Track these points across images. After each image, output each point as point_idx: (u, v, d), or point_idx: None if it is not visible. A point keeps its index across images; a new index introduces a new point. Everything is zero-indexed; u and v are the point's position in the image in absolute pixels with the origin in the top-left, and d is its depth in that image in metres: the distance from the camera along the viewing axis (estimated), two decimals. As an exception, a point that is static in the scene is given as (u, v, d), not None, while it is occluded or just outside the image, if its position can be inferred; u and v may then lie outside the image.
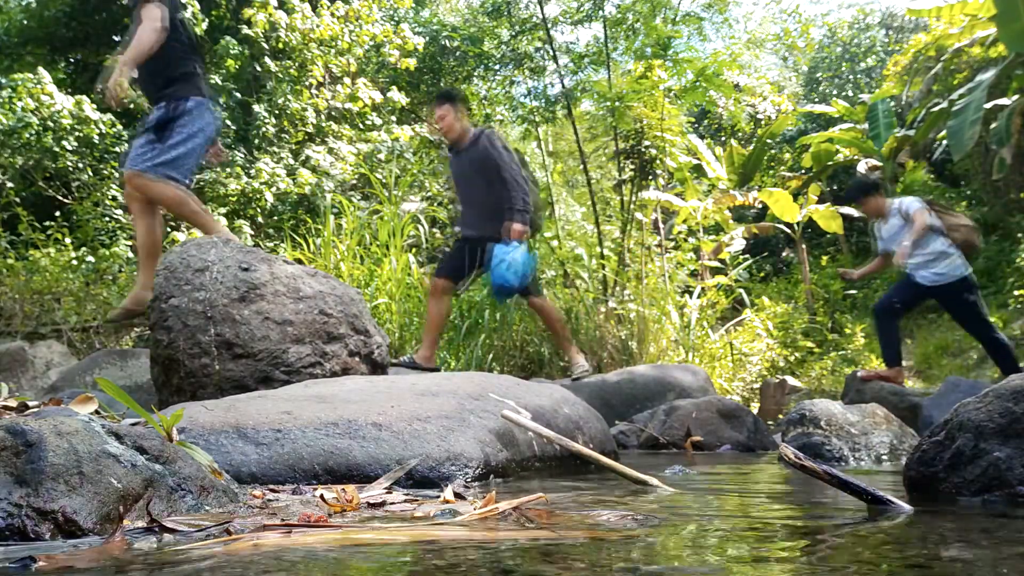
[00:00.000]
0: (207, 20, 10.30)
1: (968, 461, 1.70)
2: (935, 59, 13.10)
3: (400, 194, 8.06)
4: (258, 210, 9.79)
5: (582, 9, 9.84)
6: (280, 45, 10.25)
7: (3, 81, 9.47)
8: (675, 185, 10.68)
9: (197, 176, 10.04)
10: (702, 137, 16.07)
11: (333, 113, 10.67)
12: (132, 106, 9.39)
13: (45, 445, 1.23)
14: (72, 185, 9.18)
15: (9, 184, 8.85)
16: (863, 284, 12.79)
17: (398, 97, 10.63)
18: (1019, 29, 8.62)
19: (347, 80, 10.64)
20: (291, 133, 10.53)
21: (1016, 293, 10.28)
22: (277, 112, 10.46)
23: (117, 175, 9.35)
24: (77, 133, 9.03)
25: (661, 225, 9.35)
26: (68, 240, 8.28)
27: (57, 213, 8.84)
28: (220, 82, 10.13)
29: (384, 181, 7.65)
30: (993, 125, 10.53)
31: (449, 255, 4.86)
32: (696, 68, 8.62)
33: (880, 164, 13.78)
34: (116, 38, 11.67)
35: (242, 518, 1.37)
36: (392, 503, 1.59)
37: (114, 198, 9.27)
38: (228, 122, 10.28)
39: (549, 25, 9.92)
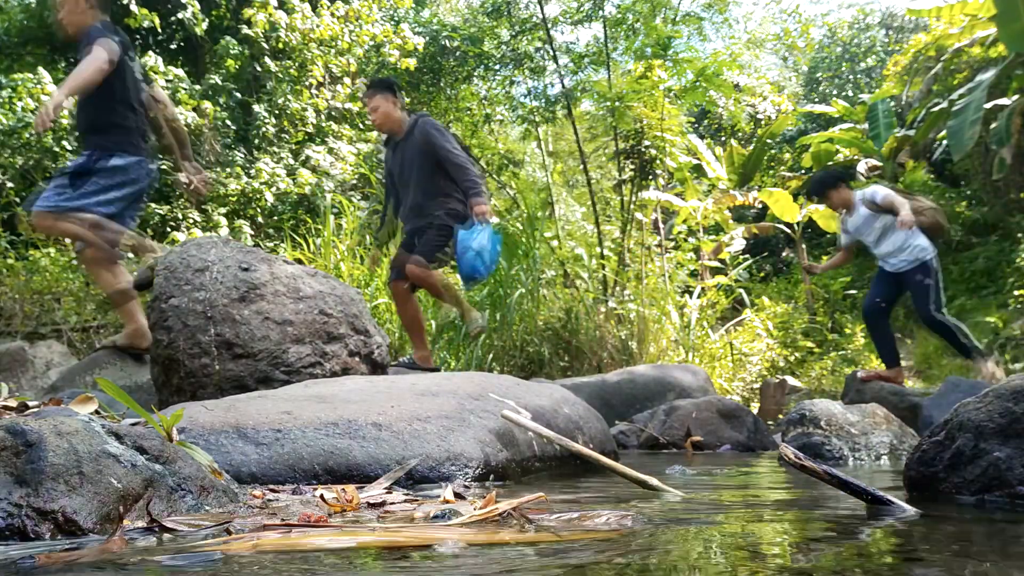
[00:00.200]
0: (207, 20, 10.30)
1: (968, 461, 1.70)
2: (935, 59, 13.09)
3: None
4: (258, 210, 9.79)
5: (582, 9, 9.85)
6: (280, 45, 10.25)
7: (3, 81, 9.47)
8: (675, 185, 10.69)
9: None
10: (702, 137, 16.06)
11: (333, 113, 10.67)
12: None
13: (45, 445, 1.23)
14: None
15: (9, 184, 8.85)
16: (863, 284, 12.79)
17: (398, 97, 10.62)
18: (1019, 29, 8.62)
19: (347, 80, 10.64)
20: (291, 133, 10.53)
21: (1016, 293, 10.27)
22: (277, 112, 10.46)
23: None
24: (77, 133, 9.03)
25: (661, 225, 9.36)
26: (68, 240, 8.28)
27: (57, 213, 8.82)
28: (220, 82, 10.13)
29: (384, 181, 7.64)
30: (993, 125, 10.52)
31: (399, 255, 4.62)
32: (696, 68, 8.63)
33: (880, 164, 13.78)
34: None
35: (242, 518, 1.37)
36: (392, 503, 1.59)
37: (114, 198, 9.25)
38: (228, 122, 10.28)
39: (549, 25, 9.92)
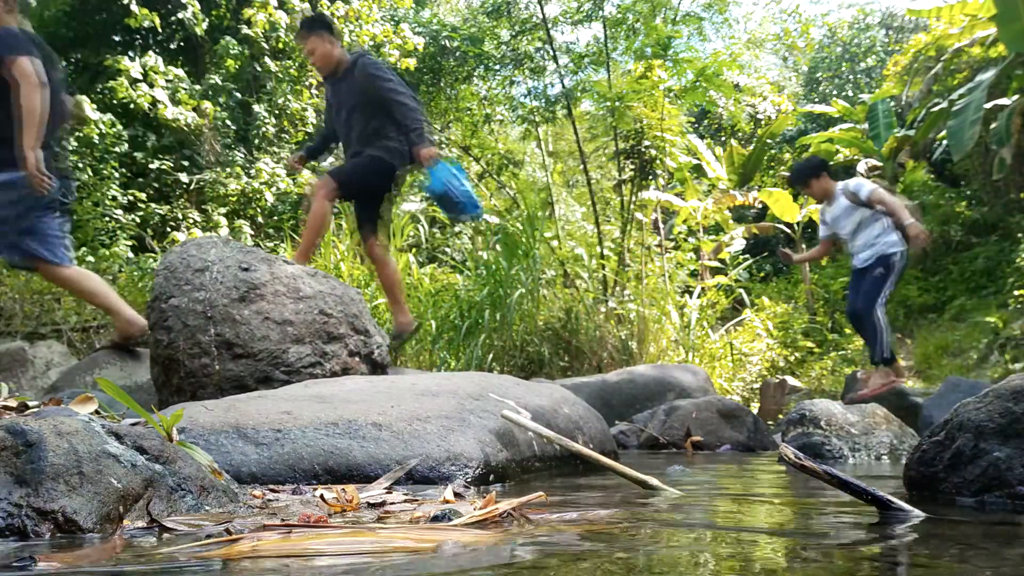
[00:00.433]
0: (207, 20, 10.30)
1: (968, 461, 1.70)
2: (935, 59, 13.09)
3: (400, 194, 8.06)
4: (258, 210, 9.80)
5: (582, 9, 9.85)
6: (280, 45, 10.25)
7: (3, 81, 9.46)
8: (675, 185, 10.68)
9: (197, 176, 10.07)
10: (702, 137, 16.06)
11: (333, 113, 10.66)
12: (132, 105, 9.42)
13: (45, 445, 1.23)
14: (72, 185, 9.16)
15: (9, 184, 8.84)
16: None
17: (398, 97, 10.62)
18: (1019, 29, 8.62)
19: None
20: (291, 133, 10.53)
21: (1016, 293, 10.27)
22: (277, 112, 10.47)
23: (117, 175, 9.36)
24: (77, 133, 9.03)
25: (661, 225, 9.36)
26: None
27: (57, 213, 8.83)
28: (220, 82, 10.13)
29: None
30: (993, 125, 10.52)
31: (358, 209, 4.43)
32: (696, 68, 8.63)
33: (880, 164, 13.78)
34: (116, 38, 11.68)
35: (242, 518, 1.37)
36: (392, 503, 1.59)
37: (114, 198, 9.27)
38: (228, 122, 10.28)
39: (549, 25, 9.92)
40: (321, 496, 1.58)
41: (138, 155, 10.02)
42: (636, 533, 1.29)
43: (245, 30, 10.16)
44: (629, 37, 9.64)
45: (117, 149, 9.48)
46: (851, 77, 20.60)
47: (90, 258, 8.13)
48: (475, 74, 11.58)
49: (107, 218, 9.05)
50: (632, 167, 8.77)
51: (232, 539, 1.15)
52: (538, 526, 1.34)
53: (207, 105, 9.85)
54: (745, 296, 10.10)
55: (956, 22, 11.96)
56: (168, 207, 10.04)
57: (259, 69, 10.43)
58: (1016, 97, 10.50)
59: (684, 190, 11.01)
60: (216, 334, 3.00)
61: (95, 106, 9.30)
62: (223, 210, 9.63)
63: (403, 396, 2.32)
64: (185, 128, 9.76)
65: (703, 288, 8.78)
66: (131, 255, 8.70)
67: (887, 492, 1.61)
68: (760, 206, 14.45)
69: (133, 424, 1.66)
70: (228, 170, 9.77)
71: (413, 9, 12.38)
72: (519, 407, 2.33)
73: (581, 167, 10.36)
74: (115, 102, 9.78)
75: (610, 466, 2.06)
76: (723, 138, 17.46)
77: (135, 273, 8.02)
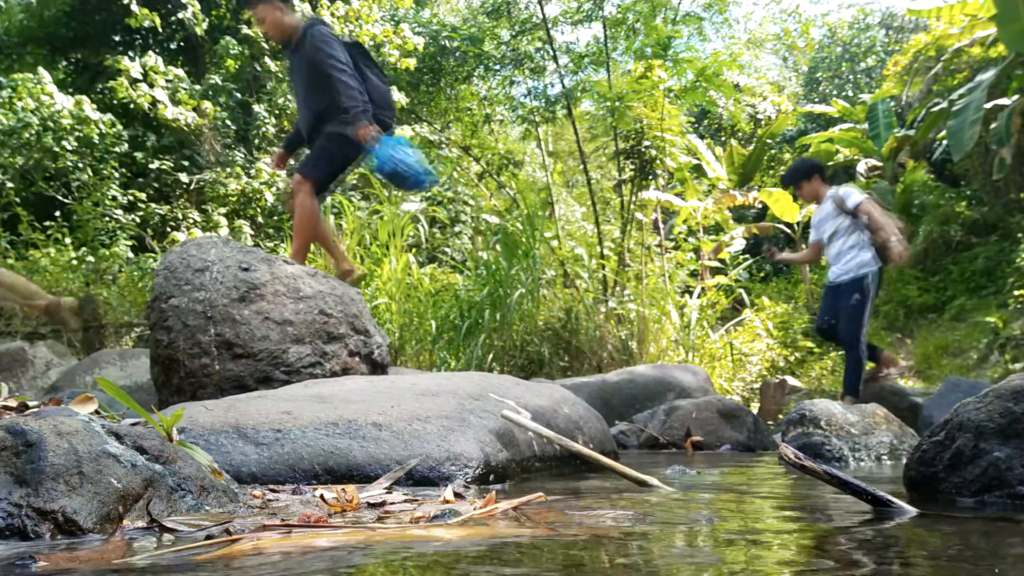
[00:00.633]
0: (207, 20, 10.30)
1: (968, 461, 1.70)
2: (935, 59, 13.09)
3: (400, 194, 8.06)
4: (258, 210, 9.79)
5: (582, 9, 9.84)
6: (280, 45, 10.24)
7: (3, 81, 9.48)
8: (675, 185, 10.68)
9: (197, 176, 10.07)
10: (702, 137, 16.06)
11: (333, 113, 10.66)
12: (132, 105, 9.42)
13: (45, 445, 1.23)
14: (72, 185, 9.19)
15: (9, 184, 8.85)
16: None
17: (398, 97, 10.63)
18: (1019, 29, 8.62)
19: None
20: (291, 133, 10.52)
21: (1016, 293, 10.26)
22: (277, 112, 10.47)
23: (117, 175, 9.36)
24: (77, 133, 9.04)
25: (661, 225, 9.35)
26: (68, 240, 8.28)
27: (57, 213, 8.84)
28: (220, 82, 10.13)
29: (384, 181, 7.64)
30: (993, 125, 10.52)
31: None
32: (696, 68, 8.62)
33: (880, 164, 13.79)
34: (116, 38, 11.69)
35: (242, 518, 1.37)
36: (392, 503, 1.59)
37: (114, 198, 9.28)
38: (228, 122, 10.28)
39: (549, 25, 9.92)
40: (321, 496, 1.58)
41: (138, 155, 10.03)
42: (635, 532, 1.29)
43: (245, 30, 10.16)
44: (629, 37, 9.64)
45: (117, 149, 9.49)
46: (851, 77, 20.60)
47: (90, 258, 8.13)
48: (475, 74, 11.58)
49: (107, 218, 9.05)
50: (632, 167, 8.77)
51: (232, 539, 1.15)
52: (538, 525, 1.34)
53: (207, 105, 9.85)
54: (745, 296, 10.09)
55: (956, 22, 11.96)
56: (168, 207, 10.05)
57: (259, 69, 10.44)
58: (1016, 97, 10.50)
59: (684, 190, 11.01)
60: (216, 334, 3.00)
61: (95, 106, 9.30)
62: (223, 210, 9.63)
63: (403, 396, 2.32)
64: (185, 128, 9.77)
65: (703, 288, 8.78)
66: (131, 255, 8.70)
67: (887, 492, 1.61)
68: (760, 206, 14.45)
69: (133, 424, 1.66)
70: (228, 170, 9.77)
71: (413, 9, 12.38)
72: (519, 407, 2.33)
73: (581, 167, 10.36)
74: (115, 102, 9.78)
75: (610, 466, 2.06)
76: (723, 138, 17.47)
77: (135, 273, 8.02)
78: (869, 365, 5.93)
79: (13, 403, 2.01)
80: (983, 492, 1.66)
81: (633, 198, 8.80)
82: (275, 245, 8.88)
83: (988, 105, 9.99)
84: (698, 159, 13.12)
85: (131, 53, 10.86)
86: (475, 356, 6.51)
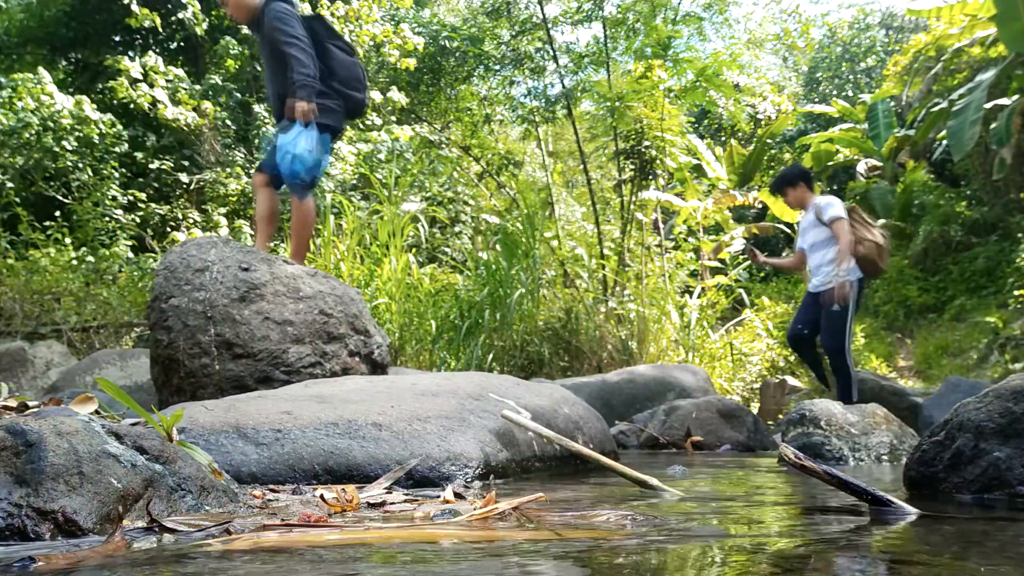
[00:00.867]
0: (207, 20, 10.30)
1: (968, 461, 1.70)
2: (935, 59, 13.09)
3: (400, 194, 8.06)
4: (258, 210, 9.76)
5: (582, 9, 9.84)
6: (280, 45, 10.23)
7: (3, 81, 9.48)
8: (675, 185, 10.68)
9: (197, 176, 10.07)
10: (702, 137, 16.06)
11: (333, 113, 10.65)
12: (132, 105, 9.42)
13: (45, 445, 1.23)
14: (72, 185, 9.19)
15: (9, 184, 8.85)
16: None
17: (398, 97, 10.64)
18: (1019, 29, 8.62)
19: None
20: (291, 133, 10.51)
21: (1016, 293, 10.27)
22: (277, 112, 10.44)
23: (117, 175, 9.36)
24: (77, 133, 9.04)
25: (661, 225, 9.35)
26: (68, 240, 8.28)
27: (57, 213, 8.84)
28: (220, 82, 10.13)
29: (384, 181, 7.65)
30: (993, 125, 10.52)
31: (269, 154, 4.09)
32: (696, 68, 8.62)
33: (880, 164, 13.79)
34: (116, 38, 11.68)
35: (242, 518, 1.37)
36: (392, 503, 1.59)
37: (114, 198, 9.27)
38: (228, 122, 10.28)
39: (549, 25, 9.91)
40: (321, 496, 1.58)
41: (138, 155, 10.03)
42: (635, 532, 1.29)
43: (245, 30, 10.15)
44: (629, 37, 9.64)
45: (117, 149, 9.49)
46: (851, 77, 20.60)
47: (90, 258, 8.13)
48: (475, 74, 11.58)
49: (107, 218, 9.05)
50: (632, 167, 8.77)
51: (232, 539, 1.15)
52: (537, 526, 1.34)
53: (207, 105, 9.85)
54: (745, 296, 10.09)
55: (956, 22, 11.96)
56: (168, 207, 10.05)
57: (259, 69, 10.42)
58: (1016, 97, 10.49)
59: (684, 190, 11.01)
60: (216, 334, 3.00)
61: (95, 106, 9.30)
62: (223, 210, 9.63)
63: (403, 396, 2.32)
64: (185, 128, 9.77)
65: (703, 288, 8.78)
66: (131, 255, 8.70)
67: (887, 492, 1.61)
68: (760, 206, 14.45)
69: (133, 424, 1.66)
70: (228, 170, 9.77)
71: (413, 9, 12.38)
72: (519, 407, 2.33)
73: (581, 167, 10.36)
74: (115, 102, 9.78)
75: (610, 466, 2.06)
76: (723, 138, 17.46)
77: (135, 273, 8.02)
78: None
79: (13, 403, 2.01)
80: (983, 492, 1.66)
81: (633, 198, 8.80)
82: (275, 245, 8.88)
83: (988, 105, 9.99)
84: (698, 159, 13.12)
85: (131, 53, 10.87)
86: (475, 356, 6.51)
